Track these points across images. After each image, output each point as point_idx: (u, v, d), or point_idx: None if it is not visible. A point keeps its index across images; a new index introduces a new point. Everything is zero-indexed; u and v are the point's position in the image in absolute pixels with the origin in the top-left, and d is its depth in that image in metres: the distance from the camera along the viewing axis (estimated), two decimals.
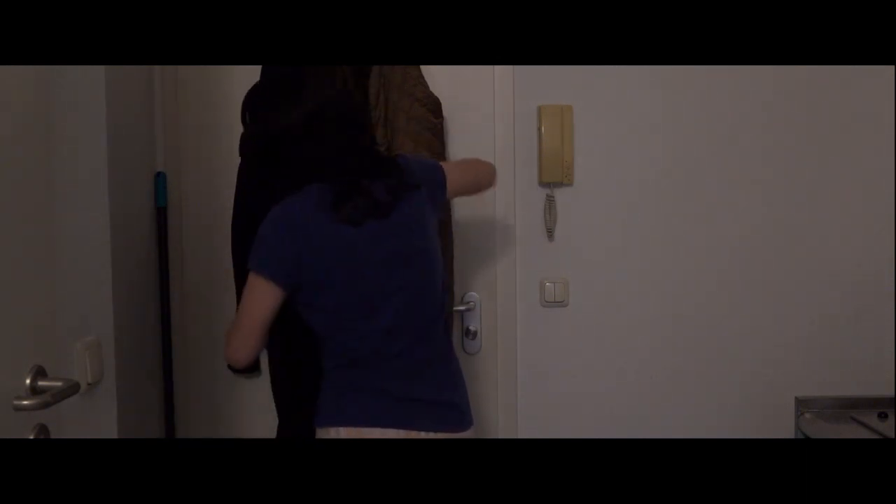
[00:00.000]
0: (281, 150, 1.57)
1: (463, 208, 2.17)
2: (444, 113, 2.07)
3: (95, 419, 1.62)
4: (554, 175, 2.17)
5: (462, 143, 2.17)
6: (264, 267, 1.49)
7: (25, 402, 1.06)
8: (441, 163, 1.73)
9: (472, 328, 2.21)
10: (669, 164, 2.22)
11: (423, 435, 1.51)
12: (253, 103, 1.71)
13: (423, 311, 1.57)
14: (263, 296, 1.49)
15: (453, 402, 1.59)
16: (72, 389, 1.14)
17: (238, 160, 1.81)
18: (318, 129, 1.54)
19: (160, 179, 2.00)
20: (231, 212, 1.87)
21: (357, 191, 1.50)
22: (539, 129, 2.18)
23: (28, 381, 1.10)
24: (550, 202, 2.20)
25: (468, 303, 2.20)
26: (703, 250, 2.23)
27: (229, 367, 1.82)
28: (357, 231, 1.49)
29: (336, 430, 1.51)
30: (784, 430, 2.23)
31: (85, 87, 1.58)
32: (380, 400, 1.52)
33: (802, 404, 2.23)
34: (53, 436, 1.15)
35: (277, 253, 1.50)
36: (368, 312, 1.52)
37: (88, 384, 1.55)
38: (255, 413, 2.11)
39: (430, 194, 1.61)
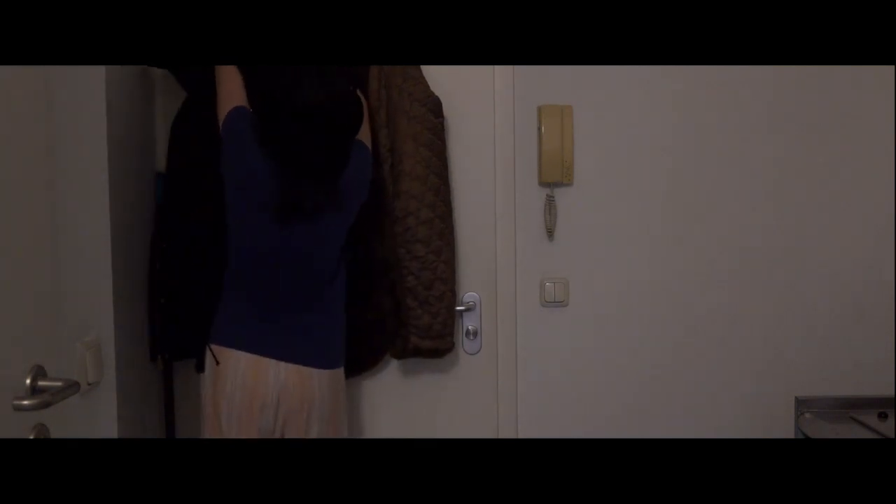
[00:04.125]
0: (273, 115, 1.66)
1: (463, 208, 2.17)
2: (444, 113, 2.07)
3: (95, 419, 1.62)
4: (554, 175, 2.17)
5: (462, 143, 2.17)
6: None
7: (25, 402, 1.06)
8: None
9: (471, 328, 2.21)
10: (669, 164, 2.22)
11: (271, 361, 1.70)
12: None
13: (313, 269, 1.75)
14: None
15: (319, 341, 1.77)
16: (72, 389, 1.14)
17: None
18: (307, 119, 1.64)
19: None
20: None
21: (296, 203, 1.66)
22: (539, 129, 2.18)
23: (28, 381, 1.10)
24: (550, 202, 2.20)
25: (468, 303, 2.20)
26: (703, 250, 2.23)
27: None
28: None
29: (211, 345, 1.72)
30: (784, 430, 2.24)
31: (85, 87, 1.58)
32: (243, 325, 1.72)
33: (802, 404, 2.23)
34: (53, 436, 1.15)
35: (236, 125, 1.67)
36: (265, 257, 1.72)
37: (88, 384, 1.55)
38: None
39: (359, 202, 1.80)
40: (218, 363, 1.69)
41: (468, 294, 2.21)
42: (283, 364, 1.70)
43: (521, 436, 2.22)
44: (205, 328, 1.76)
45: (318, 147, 1.66)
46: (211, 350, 1.71)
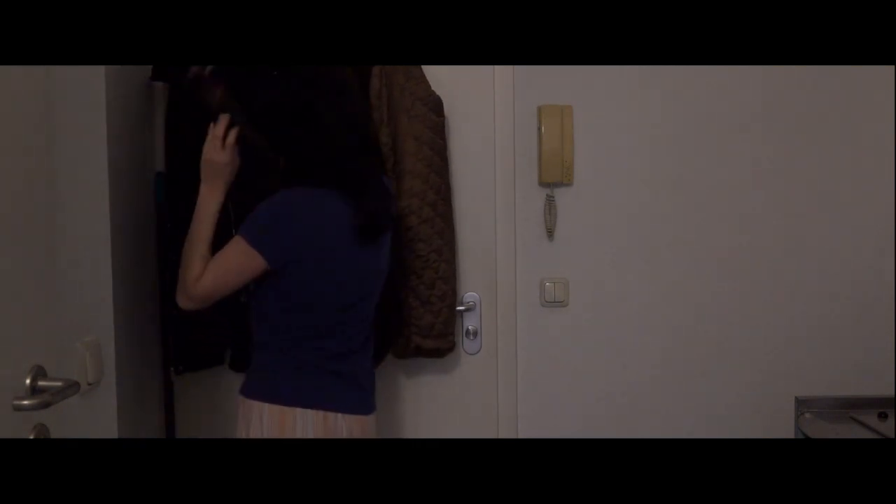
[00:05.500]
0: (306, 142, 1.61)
1: (463, 208, 2.17)
2: (444, 112, 2.07)
3: (95, 419, 1.61)
4: (554, 175, 2.17)
5: (462, 143, 2.17)
6: (263, 246, 1.56)
7: (25, 402, 1.06)
8: None
9: (471, 328, 2.21)
10: (669, 164, 2.22)
11: (339, 416, 1.61)
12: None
13: (367, 316, 1.71)
14: (250, 265, 1.57)
15: (368, 387, 1.73)
16: (72, 389, 1.14)
17: None
18: (344, 136, 1.61)
19: (160, 179, 1.99)
20: None
21: (370, 208, 1.60)
22: (539, 129, 2.18)
23: (28, 381, 1.10)
24: (550, 202, 2.20)
25: (468, 303, 2.20)
26: (703, 250, 2.23)
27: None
28: (355, 248, 1.60)
29: (260, 405, 1.60)
30: (784, 430, 2.23)
31: (85, 87, 1.58)
32: (307, 379, 1.62)
33: (802, 404, 2.23)
34: (53, 436, 1.15)
35: (280, 239, 1.56)
36: (328, 309, 1.62)
37: (88, 384, 1.55)
38: None
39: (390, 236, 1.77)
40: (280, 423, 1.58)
41: (468, 294, 2.21)
42: (349, 416, 1.62)
43: (521, 436, 2.22)
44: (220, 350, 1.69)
45: (361, 153, 1.64)
46: (266, 412, 1.59)
